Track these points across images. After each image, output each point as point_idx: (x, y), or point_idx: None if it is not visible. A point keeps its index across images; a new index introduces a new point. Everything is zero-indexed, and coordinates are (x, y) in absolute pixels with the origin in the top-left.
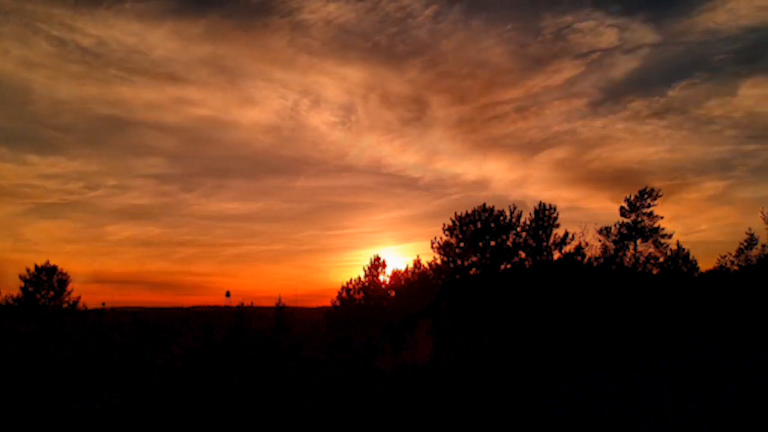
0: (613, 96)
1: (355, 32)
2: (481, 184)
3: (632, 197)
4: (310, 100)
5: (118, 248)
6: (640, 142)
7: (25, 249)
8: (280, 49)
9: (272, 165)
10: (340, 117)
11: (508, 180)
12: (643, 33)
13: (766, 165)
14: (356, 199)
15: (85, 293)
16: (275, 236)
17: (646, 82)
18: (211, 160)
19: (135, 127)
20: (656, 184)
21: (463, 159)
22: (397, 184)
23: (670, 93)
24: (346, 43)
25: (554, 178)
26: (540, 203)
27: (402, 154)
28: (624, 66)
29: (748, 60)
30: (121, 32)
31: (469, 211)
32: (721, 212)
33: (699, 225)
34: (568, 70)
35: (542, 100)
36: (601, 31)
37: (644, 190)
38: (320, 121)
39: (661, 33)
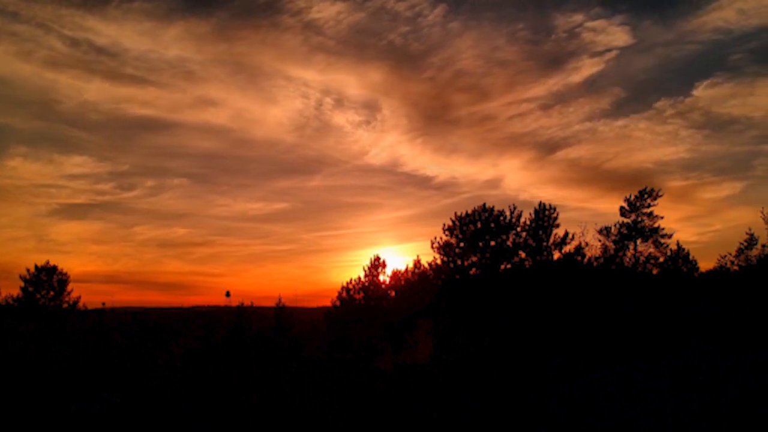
0: (568, 99)
1: (326, 35)
2: (453, 183)
3: (632, 197)
4: (267, 100)
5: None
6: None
7: None
8: (247, 53)
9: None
10: (295, 121)
11: (482, 181)
12: (619, 35)
13: (731, 165)
14: (354, 199)
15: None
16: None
17: (601, 85)
18: (152, 158)
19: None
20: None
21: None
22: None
23: (622, 94)
24: (317, 46)
25: (526, 178)
26: (540, 203)
27: (365, 156)
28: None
29: (710, 61)
30: (95, 34)
31: (469, 211)
32: (691, 211)
33: (672, 225)
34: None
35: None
36: (577, 33)
37: (644, 190)
38: (275, 123)
39: (635, 35)
